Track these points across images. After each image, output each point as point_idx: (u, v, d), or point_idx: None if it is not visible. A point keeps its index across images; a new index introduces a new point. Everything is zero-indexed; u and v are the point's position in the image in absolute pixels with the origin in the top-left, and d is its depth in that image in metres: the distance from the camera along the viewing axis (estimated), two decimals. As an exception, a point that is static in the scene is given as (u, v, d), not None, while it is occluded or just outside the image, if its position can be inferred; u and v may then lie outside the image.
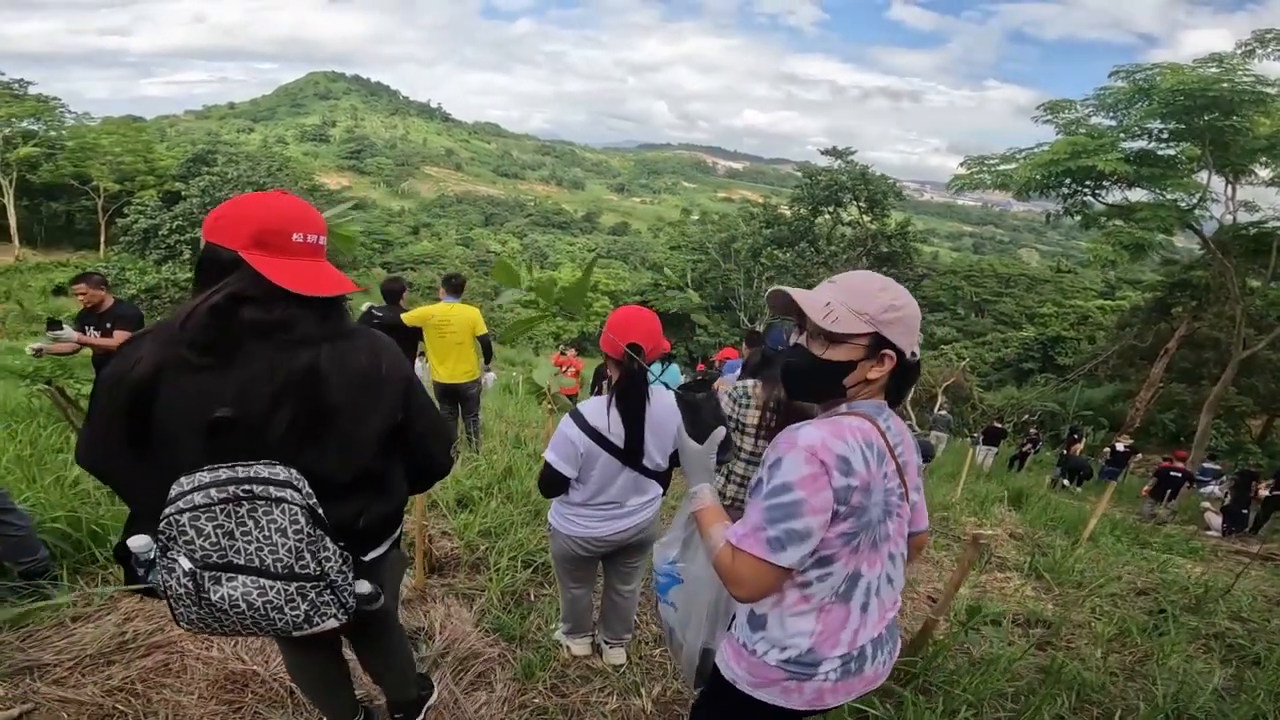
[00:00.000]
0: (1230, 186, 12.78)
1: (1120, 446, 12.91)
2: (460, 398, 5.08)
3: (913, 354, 1.20)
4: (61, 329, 3.95)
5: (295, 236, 1.20)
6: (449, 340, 4.79)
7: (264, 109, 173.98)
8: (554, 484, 2.10)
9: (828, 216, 27.70)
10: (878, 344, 1.17)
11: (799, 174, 28.92)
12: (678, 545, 1.64)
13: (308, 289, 1.18)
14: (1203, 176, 12.87)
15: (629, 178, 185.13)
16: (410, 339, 4.83)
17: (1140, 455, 14.67)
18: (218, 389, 1.15)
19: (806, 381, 1.26)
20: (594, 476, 2.08)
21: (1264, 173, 12.26)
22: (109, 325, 4.09)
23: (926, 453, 10.63)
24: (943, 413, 16.21)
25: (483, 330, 4.95)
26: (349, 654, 1.89)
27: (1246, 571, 4.98)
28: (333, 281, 1.24)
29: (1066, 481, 11.51)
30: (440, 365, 4.88)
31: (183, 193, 20.12)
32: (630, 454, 2.07)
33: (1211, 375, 23.10)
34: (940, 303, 46.30)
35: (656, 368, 6.45)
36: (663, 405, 2.08)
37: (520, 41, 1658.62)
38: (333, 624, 1.24)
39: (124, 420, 1.15)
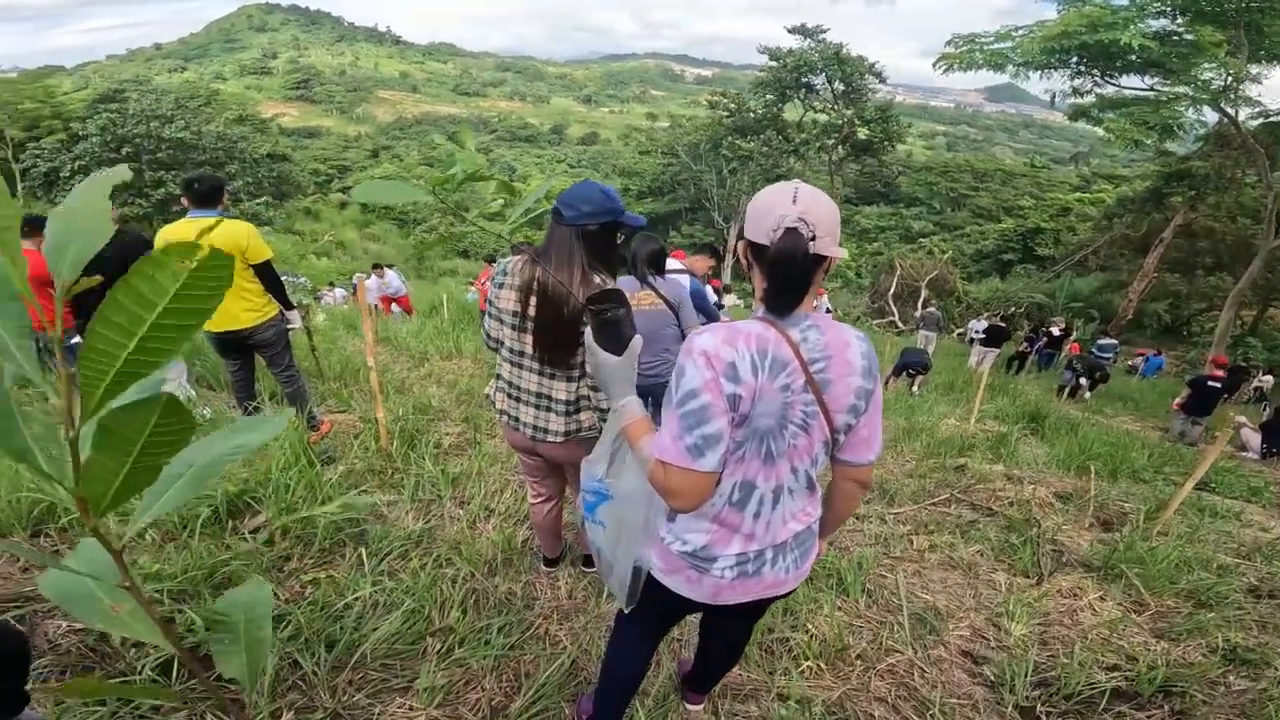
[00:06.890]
0: (1237, 78, 11.01)
1: (1055, 331, 12.17)
2: (253, 347, 3.44)
3: (772, 241, 1.11)
4: None
5: None
6: None
7: (195, 48, 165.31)
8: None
9: (798, 102, 25.50)
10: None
11: (764, 58, 26.28)
12: (605, 461, 1.46)
13: None
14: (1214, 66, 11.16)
15: (596, 89, 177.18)
16: None
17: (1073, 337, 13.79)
18: None
19: None
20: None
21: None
22: None
23: (922, 365, 9.36)
24: (930, 309, 14.73)
25: (261, 255, 3.19)
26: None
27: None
28: None
29: (1084, 381, 10.29)
30: None
31: (80, 132, 18.70)
32: None
33: (1205, 266, 22.29)
34: (916, 198, 44.73)
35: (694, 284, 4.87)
36: None
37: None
38: None
39: None
